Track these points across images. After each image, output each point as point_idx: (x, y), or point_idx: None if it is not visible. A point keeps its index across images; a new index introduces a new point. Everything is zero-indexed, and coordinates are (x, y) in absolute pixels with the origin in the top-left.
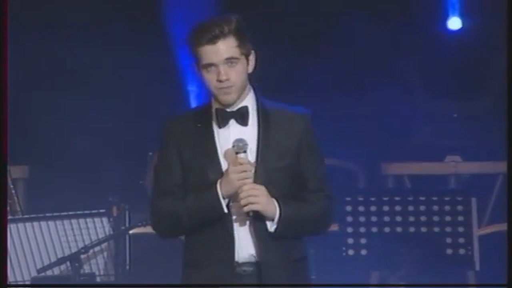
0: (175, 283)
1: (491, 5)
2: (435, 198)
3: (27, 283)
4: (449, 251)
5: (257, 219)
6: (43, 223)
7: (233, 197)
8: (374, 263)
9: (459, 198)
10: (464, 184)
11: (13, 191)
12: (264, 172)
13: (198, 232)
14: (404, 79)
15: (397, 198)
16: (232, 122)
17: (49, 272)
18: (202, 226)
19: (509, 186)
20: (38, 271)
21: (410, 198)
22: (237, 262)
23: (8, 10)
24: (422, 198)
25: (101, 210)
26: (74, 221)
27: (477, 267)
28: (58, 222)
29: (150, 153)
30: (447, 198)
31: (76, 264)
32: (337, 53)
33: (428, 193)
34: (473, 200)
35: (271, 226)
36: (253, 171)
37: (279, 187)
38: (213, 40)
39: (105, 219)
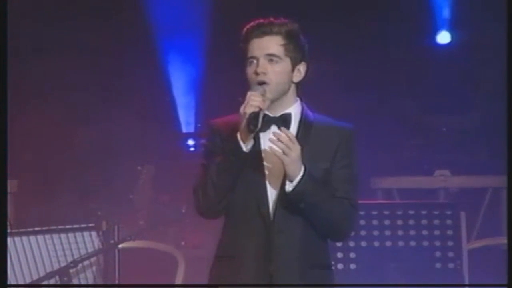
0: None
1: (480, 19)
2: (424, 212)
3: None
4: (438, 265)
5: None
6: (32, 237)
7: (268, 157)
8: (363, 277)
9: (448, 212)
10: (453, 198)
11: None
12: None
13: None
14: (393, 93)
15: (386, 212)
16: (274, 127)
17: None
18: (229, 175)
19: (509, 184)
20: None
21: (399, 212)
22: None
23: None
24: (411, 212)
25: (90, 224)
26: (63, 235)
27: (466, 281)
28: (47, 236)
29: (139, 168)
30: (436, 212)
31: (65, 278)
32: (325, 67)
33: (417, 207)
34: (462, 214)
35: (289, 186)
36: (259, 101)
37: None
38: (260, 35)
39: (94, 233)
